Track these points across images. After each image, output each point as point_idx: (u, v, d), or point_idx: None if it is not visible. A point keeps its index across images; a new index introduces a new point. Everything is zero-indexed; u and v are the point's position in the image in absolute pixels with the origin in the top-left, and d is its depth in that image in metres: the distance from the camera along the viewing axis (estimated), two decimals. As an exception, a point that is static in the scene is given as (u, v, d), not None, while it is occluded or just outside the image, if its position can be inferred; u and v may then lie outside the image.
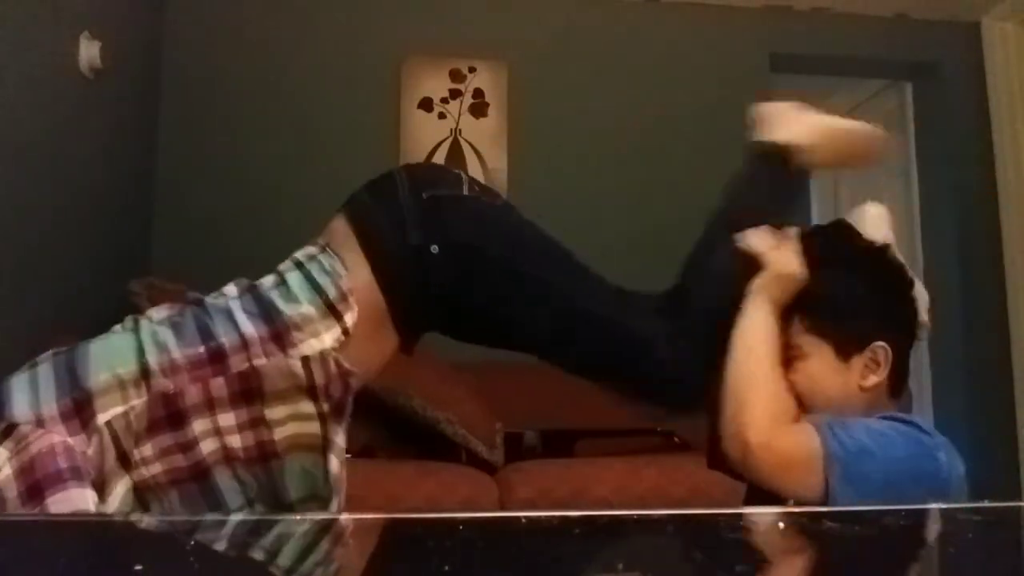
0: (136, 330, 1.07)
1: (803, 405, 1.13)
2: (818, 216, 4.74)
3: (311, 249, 1.16)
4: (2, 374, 1.81)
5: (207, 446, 1.02)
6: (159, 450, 1.00)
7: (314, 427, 1.07)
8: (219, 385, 1.02)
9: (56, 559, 0.47)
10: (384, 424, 2.29)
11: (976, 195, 3.45)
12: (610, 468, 2.17)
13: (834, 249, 1.26)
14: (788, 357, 1.15)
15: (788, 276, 1.18)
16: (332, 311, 1.07)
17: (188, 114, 2.99)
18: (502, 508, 2.00)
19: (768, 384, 1.11)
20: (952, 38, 3.51)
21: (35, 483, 0.91)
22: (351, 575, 0.45)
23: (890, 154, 1.31)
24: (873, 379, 1.16)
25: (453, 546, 0.50)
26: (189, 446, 1.01)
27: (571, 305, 1.20)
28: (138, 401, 0.98)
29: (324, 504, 1.08)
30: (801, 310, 1.16)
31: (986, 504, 0.60)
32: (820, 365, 1.15)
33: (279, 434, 1.05)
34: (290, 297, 1.07)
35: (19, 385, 1.00)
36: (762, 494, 1.07)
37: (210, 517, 0.72)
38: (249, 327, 1.04)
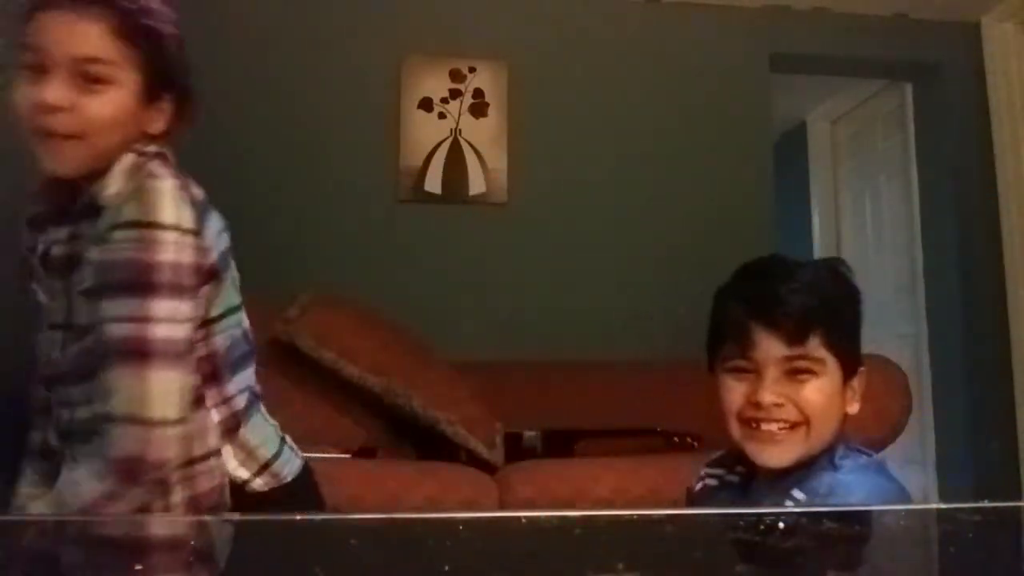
0: None
1: (810, 425, 1.10)
2: (818, 215, 4.75)
3: None
4: (2, 374, 1.81)
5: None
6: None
7: None
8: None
9: (56, 559, 0.47)
10: (384, 424, 2.29)
11: (976, 195, 3.45)
12: (610, 468, 2.17)
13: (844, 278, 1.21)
14: (803, 371, 1.11)
15: None
16: None
17: (188, 114, 2.98)
18: (502, 508, 2.00)
19: None
20: (952, 38, 3.51)
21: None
22: (351, 575, 0.45)
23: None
24: (855, 406, 1.15)
25: (453, 546, 0.50)
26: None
27: None
28: None
29: None
30: (823, 324, 1.12)
31: (986, 504, 0.60)
32: (832, 385, 1.12)
33: None
34: None
35: None
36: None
37: (210, 517, 0.72)
38: None
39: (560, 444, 2.50)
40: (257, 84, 3.03)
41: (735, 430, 1.13)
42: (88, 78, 1.06)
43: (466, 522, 0.56)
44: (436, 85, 3.10)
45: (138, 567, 0.44)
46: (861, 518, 0.62)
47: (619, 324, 3.02)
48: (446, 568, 0.44)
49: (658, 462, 2.22)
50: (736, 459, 1.21)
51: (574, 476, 2.14)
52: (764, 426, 1.10)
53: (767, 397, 1.09)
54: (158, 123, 1.14)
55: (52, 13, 1.04)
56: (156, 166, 1.09)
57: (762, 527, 0.50)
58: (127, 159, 1.10)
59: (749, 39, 3.35)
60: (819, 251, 4.73)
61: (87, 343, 1.04)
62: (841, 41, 3.45)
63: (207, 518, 0.69)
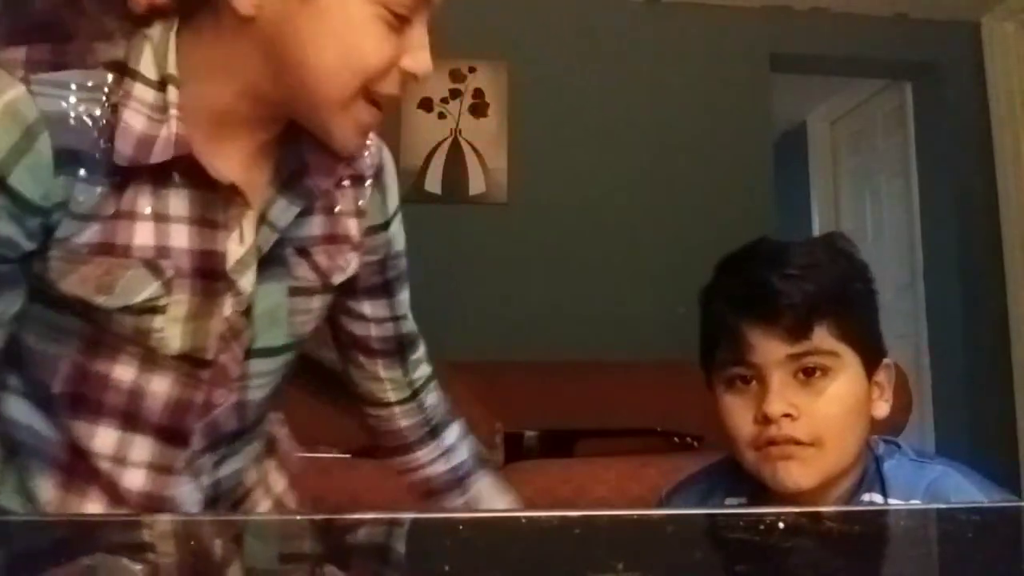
0: None
1: (827, 443, 0.90)
2: (818, 216, 4.75)
3: None
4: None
5: None
6: None
7: None
8: None
9: (56, 559, 0.47)
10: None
11: (976, 195, 3.45)
12: (610, 468, 2.18)
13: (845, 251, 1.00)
14: (815, 369, 0.91)
15: None
16: None
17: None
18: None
19: None
20: (952, 38, 3.51)
21: None
22: (351, 575, 0.45)
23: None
24: (884, 408, 0.97)
25: (453, 546, 0.51)
26: None
27: None
28: None
29: None
30: (829, 311, 0.91)
31: (986, 504, 0.60)
32: (853, 384, 0.93)
33: None
34: None
35: None
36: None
37: (211, 517, 0.72)
38: None
39: (560, 444, 2.50)
40: (257, 84, 3.03)
41: (749, 459, 0.92)
42: None
43: (466, 522, 0.56)
44: (436, 85, 3.10)
45: (138, 567, 0.44)
46: (861, 518, 0.62)
47: (619, 324, 3.02)
48: (446, 568, 0.44)
49: (658, 462, 2.22)
50: (736, 477, 0.98)
51: (574, 476, 2.14)
52: (778, 447, 0.89)
53: (775, 407, 0.88)
54: None
55: None
56: None
57: (762, 527, 0.50)
58: None
59: (749, 39, 3.35)
60: (819, 251, 4.73)
61: None
62: (841, 41, 3.45)
63: (206, 517, 0.69)
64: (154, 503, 0.79)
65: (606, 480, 2.12)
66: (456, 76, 3.12)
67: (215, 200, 0.74)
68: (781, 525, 0.50)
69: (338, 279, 0.87)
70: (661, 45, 3.31)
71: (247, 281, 0.78)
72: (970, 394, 3.38)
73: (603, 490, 2.10)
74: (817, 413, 0.89)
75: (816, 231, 4.76)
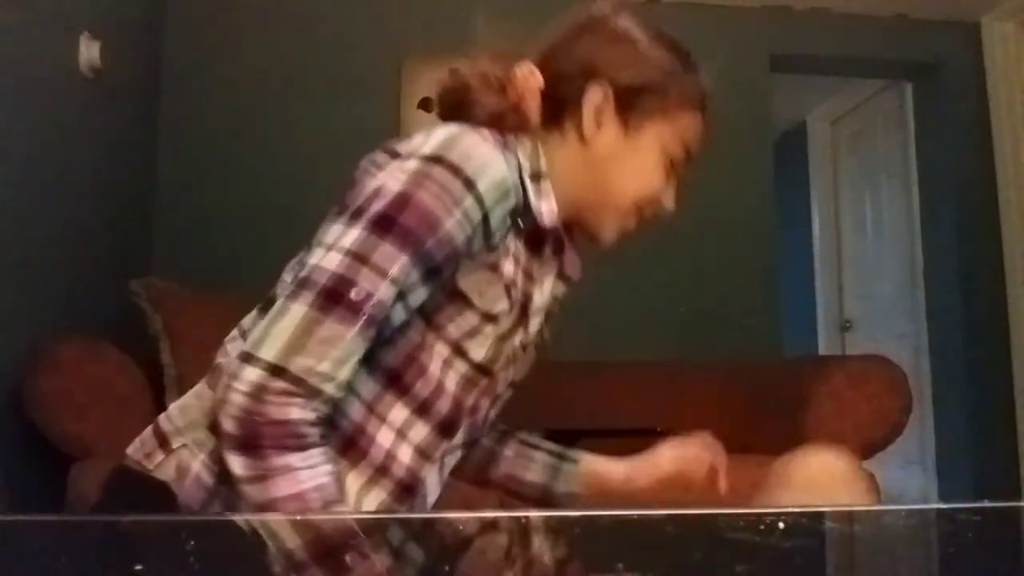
0: None
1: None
2: (818, 216, 4.75)
3: None
4: (1, 373, 1.81)
5: None
6: None
7: None
8: None
9: (56, 559, 0.47)
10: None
11: (976, 195, 3.45)
12: (610, 468, 2.17)
13: None
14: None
15: None
16: None
17: (188, 114, 2.99)
18: (502, 508, 2.00)
19: None
20: (952, 38, 3.51)
21: None
22: (351, 574, 0.45)
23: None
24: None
25: (453, 546, 0.51)
26: None
27: None
28: None
29: None
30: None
31: (986, 504, 0.60)
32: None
33: None
34: None
35: None
36: None
37: (211, 517, 0.72)
38: None
39: (560, 444, 2.50)
40: (257, 84, 3.03)
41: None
42: None
43: (466, 522, 0.56)
44: (436, 84, 3.09)
45: (138, 567, 0.44)
46: (861, 518, 0.62)
47: (619, 324, 3.02)
48: (446, 568, 0.44)
49: (658, 462, 2.22)
50: None
51: (574, 476, 2.14)
52: None
53: None
54: None
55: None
56: None
57: (762, 527, 0.50)
58: None
59: (749, 39, 3.35)
60: (819, 251, 4.73)
61: None
62: (841, 41, 3.45)
63: (204, 517, 0.69)
64: (412, 479, 0.96)
65: (606, 480, 2.11)
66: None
67: (540, 259, 1.02)
68: (781, 525, 0.50)
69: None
70: (661, 45, 3.31)
71: (535, 324, 1.03)
72: (970, 394, 3.38)
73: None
74: None
75: (816, 231, 4.77)
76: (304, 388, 0.82)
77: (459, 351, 0.94)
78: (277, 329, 0.84)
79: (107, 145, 2.50)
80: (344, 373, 0.85)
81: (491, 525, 0.58)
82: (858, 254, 4.48)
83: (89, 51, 2.25)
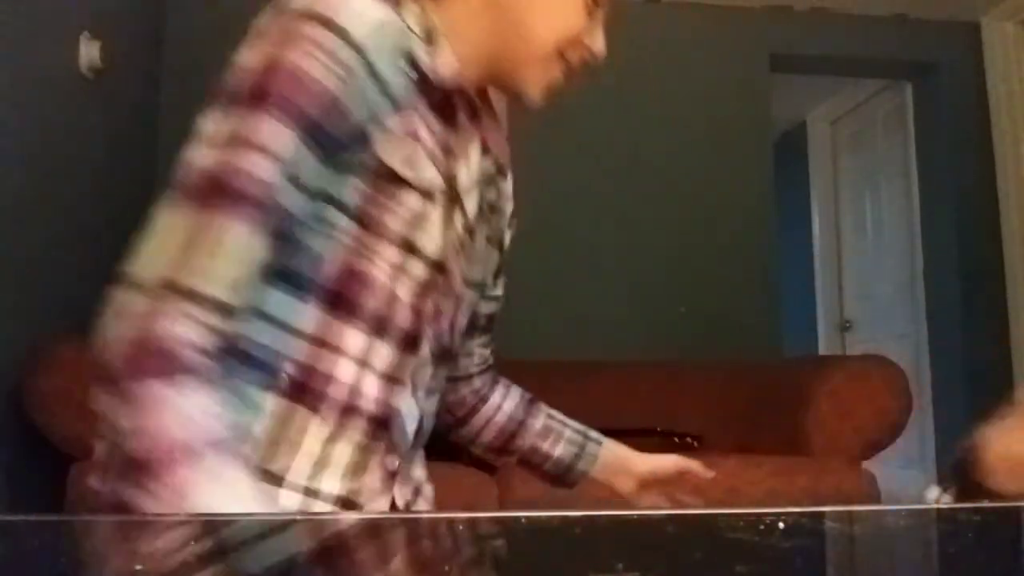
0: None
1: None
2: (818, 216, 4.75)
3: None
4: (1, 373, 1.81)
5: None
6: None
7: None
8: None
9: (56, 559, 0.47)
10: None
11: (976, 195, 3.45)
12: (610, 468, 2.17)
13: None
14: None
15: None
16: None
17: (189, 114, 2.98)
18: (502, 508, 2.00)
19: None
20: (952, 38, 3.51)
21: None
22: (351, 574, 0.45)
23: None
24: None
25: (453, 546, 0.51)
26: None
27: None
28: None
29: None
30: None
31: (986, 504, 0.60)
32: None
33: None
34: None
35: None
36: None
37: (211, 517, 0.72)
38: None
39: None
40: (257, 84, 3.03)
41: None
42: None
43: (466, 522, 0.56)
44: (436, 85, 3.09)
45: (138, 567, 0.44)
46: (861, 518, 0.62)
47: (619, 324, 3.02)
48: (447, 568, 0.44)
49: (658, 462, 2.22)
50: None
51: (574, 476, 2.14)
52: None
53: None
54: None
55: None
56: None
57: (762, 527, 0.50)
58: None
59: (749, 39, 3.35)
60: (819, 251, 4.73)
61: None
62: (841, 41, 3.45)
63: (203, 516, 0.69)
64: (386, 411, 0.84)
65: (606, 480, 2.11)
66: (456, 76, 3.12)
67: (455, 130, 0.87)
68: (781, 525, 0.50)
69: (507, 239, 1.02)
70: (661, 45, 3.31)
71: (471, 205, 0.89)
72: (970, 394, 3.38)
73: (604, 490, 2.09)
74: None
75: (816, 231, 4.77)
76: (196, 304, 0.69)
77: (410, 248, 0.81)
78: (154, 244, 0.72)
79: (107, 145, 2.50)
80: (243, 280, 0.72)
81: (491, 524, 0.58)
82: (858, 254, 4.48)
83: (89, 51, 2.26)
